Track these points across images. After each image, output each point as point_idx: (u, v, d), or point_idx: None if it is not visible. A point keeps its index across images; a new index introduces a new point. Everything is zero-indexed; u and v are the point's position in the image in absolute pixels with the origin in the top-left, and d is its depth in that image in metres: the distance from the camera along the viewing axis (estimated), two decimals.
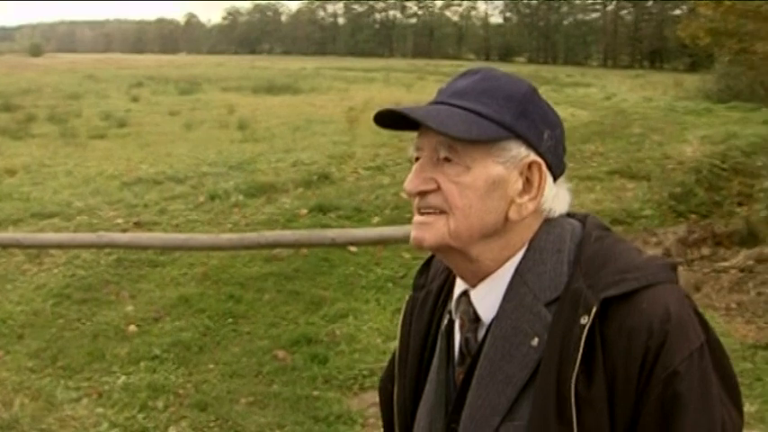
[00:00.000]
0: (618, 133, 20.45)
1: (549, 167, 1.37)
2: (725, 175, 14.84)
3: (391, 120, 1.38)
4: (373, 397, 5.75)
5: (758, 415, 5.23)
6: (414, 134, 1.42)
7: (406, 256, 9.21)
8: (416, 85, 42.45)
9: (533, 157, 1.34)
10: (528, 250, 1.37)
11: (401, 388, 1.59)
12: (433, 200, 1.36)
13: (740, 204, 12.74)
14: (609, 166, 15.28)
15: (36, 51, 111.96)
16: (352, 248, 8.99)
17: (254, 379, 6.10)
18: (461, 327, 1.44)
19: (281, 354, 6.54)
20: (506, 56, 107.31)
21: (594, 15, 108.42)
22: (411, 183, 1.37)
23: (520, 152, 1.34)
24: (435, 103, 1.40)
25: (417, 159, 1.39)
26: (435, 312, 1.54)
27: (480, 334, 1.40)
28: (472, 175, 1.33)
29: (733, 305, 7.50)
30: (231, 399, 5.71)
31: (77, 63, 67.05)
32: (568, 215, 1.43)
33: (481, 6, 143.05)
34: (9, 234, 8.42)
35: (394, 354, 1.65)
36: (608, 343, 1.24)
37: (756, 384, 5.74)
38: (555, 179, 1.39)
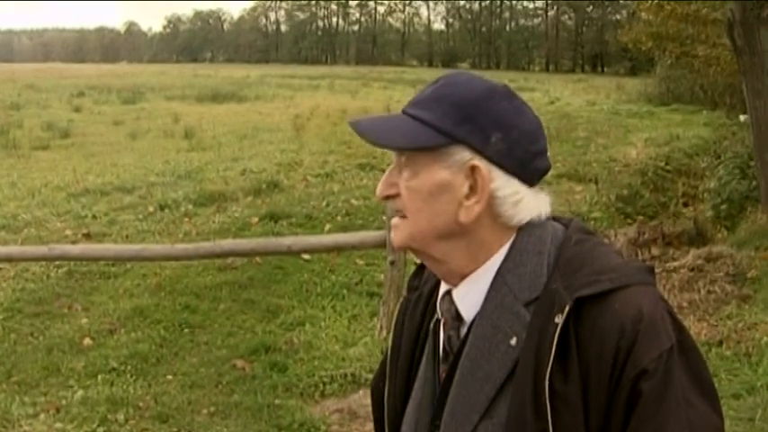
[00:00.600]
0: (563, 137, 20.67)
1: (508, 170, 1.37)
2: (670, 177, 15.14)
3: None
4: (335, 404, 5.77)
5: None
6: None
7: (360, 262, 9.23)
8: (361, 91, 42.54)
9: (476, 161, 1.36)
10: (509, 252, 1.39)
11: (392, 387, 1.61)
12: (397, 203, 1.42)
13: (686, 205, 13.00)
14: (556, 170, 15.42)
15: None
16: (306, 256, 8.98)
17: (214, 389, 6.06)
18: (445, 325, 1.47)
19: (239, 363, 6.51)
20: (450, 62, 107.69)
21: (536, 21, 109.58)
22: (378, 188, 1.45)
23: (463, 156, 1.36)
24: (402, 111, 1.43)
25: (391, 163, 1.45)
26: (427, 313, 1.57)
27: (462, 332, 1.43)
28: (419, 179, 1.37)
29: (684, 304, 7.64)
30: (192, 410, 5.66)
31: (17, 73, 65.78)
32: (553, 219, 1.45)
33: (424, 13, 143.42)
34: None
35: (386, 354, 1.67)
36: (581, 342, 1.27)
37: None
38: (528, 183, 1.40)
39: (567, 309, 1.27)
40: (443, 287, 1.49)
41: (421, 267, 1.65)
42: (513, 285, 1.36)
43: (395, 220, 1.44)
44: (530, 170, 1.40)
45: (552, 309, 1.29)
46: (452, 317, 1.45)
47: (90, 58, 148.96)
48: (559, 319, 1.27)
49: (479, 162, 1.36)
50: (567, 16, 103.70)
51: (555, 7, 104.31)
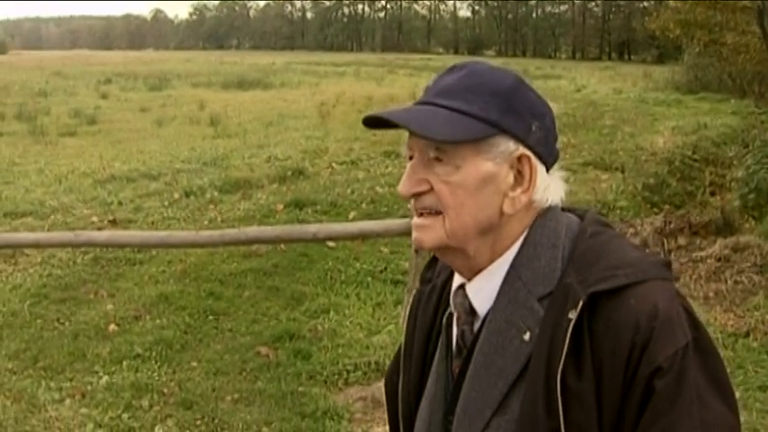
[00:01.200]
0: (590, 125, 20.57)
1: (540, 158, 1.37)
2: (697, 166, 14.98)
3: (380, 120, 1.37)
4: (358, 392, 5.76)
5: (741, 402, 5.28)
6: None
7: (385, 250, 9.22)
8: (387, 78, 42.54)
9: (522, 150, 1.34)
10: (523, 245, 1.38)
11: (406, 380, 1.60)
12: (428, 200, 1.36)
13: (713, 194, 12.86)
14: (582, 158, 15.37)
15: (1, 49, 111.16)
16: (331, 243, 8.98)
17: (238, 376, 6.07)
18: (458, 319, 1.45)
19: (264, 350, 6.52)
20: (475, 49, 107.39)
21: (563, 8, 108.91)
22: (404, 185, 1.38)
23: (508, 147, 1.34)
24: (422, 102, 1.39)
25: (411, 158, 1.39)
26: (440, 306, 1.54)
27: (476, 327, 1.41)
28: (462, 173, 1.33)
29: (711, 294, 7.56)
30: (216, 396, 5.68)
31: (44, 60, 66.43)
32: (569, 210, 1.44)
33: (450, 0, 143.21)
34: None
35: (400, 347, 1.66)
36: (595, 338, 1.25)
37: (738, 372, 5.79)
38: (547, 169, 1.39)
39: (580, 304, 1.25)
40: (457, 280, 1.46)
41: (434, 259, 1.62)
42: (527, 279, 1.35)
43: (421, 220, 1.38)
44: (554, 156, 1.41)
45: (566, 304, 1.27)
46: (466, 311, 1.42)
47: (117, 45, 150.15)
48: (573, 315, 1.25)
49: (525, 152, 1.35)
50: (594, 3, 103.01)
51: None
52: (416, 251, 6.69)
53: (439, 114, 1.33)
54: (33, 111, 24.22)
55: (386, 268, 8.65)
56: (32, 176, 14.25)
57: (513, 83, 1.37)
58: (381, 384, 5.68)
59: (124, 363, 6.26)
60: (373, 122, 1.39)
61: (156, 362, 6.31)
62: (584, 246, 1.34)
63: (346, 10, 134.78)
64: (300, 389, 5.79)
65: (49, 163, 15.68)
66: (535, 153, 1.36)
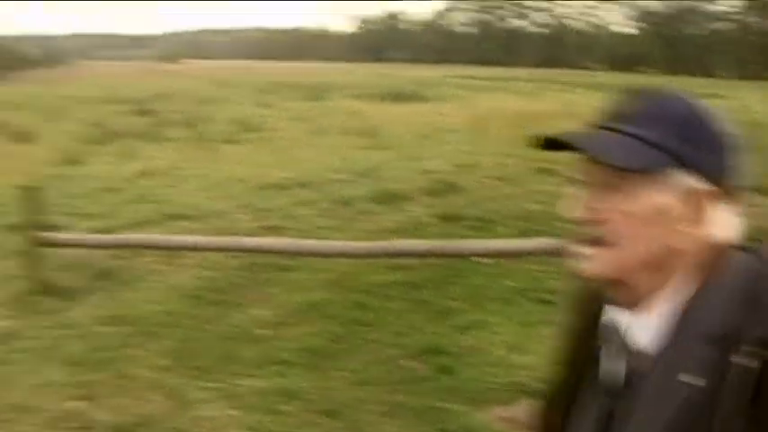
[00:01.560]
0: (753, 147, 19.70)
1: (717, 192, 1.29)
2: None
3: (553, 142, 1.33)
4: (501, 411, 5.66)
5: None
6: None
7: (534, 268, 9.06)
8: (541, 94, 42.02)
9: (699, 184, 1.27)
10: (692, 283, 1.29)
11: (555, 414, 1.53)
12: (597, 229, 1.31)
13: None
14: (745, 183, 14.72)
15: (172, 58, 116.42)
16: (482, 260, 8.90)
17: (381, 387, 6.06)
18: (611, 355, 1.38)
19: (408, 363, 6.50)
20: (632, 66, 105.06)
21: (725, 25, 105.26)
22: (573, 210, 1.34)
23: (684, 178, 1.27)
24: (599, 126, 1.34)
25: (580, 182, 1.35)
26: (592, 339, 1.46)
27: (632, 364, 1.33)
28: (636, 203, 1.28)
29: None
30: (360, 407, 5.70)
31: (211, 69, 68.96)
32: (741, 247, 1.34)
33: (607, 16, 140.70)
34: (146, 235, 8.67)
35: (552, 377, 1.60)
36: None
37: None
38: (723, 204, 1.31)
39: (757, 350, 1.17)
40: (611, 312, 1.39)
41: (584, 288, 1.55)
42: (696, 320, 1.26)
43: (588, 249, 1.33)
44: (731, 190, 1.32)
45: (739, 348, 1.18)
46: (621, 347, 1.35)
47: (280, 56, 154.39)
48: (747, 361, 1.17)
49: (701, 185, 1.28)
50: (757, 20, 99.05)
51: (744, 5, 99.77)
52: (570, 274, 6.55)
53: (617, 140, 1.29)
54: (198, 118, 25.16)
55: (534, 287, 8.51)
56: (193, 181, 14.79)
57: (695, 111, 1.30)
58: (525, 405, 5.59)
59: (271, 367, 6.37)
60: (546, 144, 1.35)
61: (303, 368, 6.39)
62: (758, 286, 1.24)
63: (504, 25, 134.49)
64: (443, 404, 5.74)
65: (209, 168, 16.23)
66: (712, 186, 1.28)
